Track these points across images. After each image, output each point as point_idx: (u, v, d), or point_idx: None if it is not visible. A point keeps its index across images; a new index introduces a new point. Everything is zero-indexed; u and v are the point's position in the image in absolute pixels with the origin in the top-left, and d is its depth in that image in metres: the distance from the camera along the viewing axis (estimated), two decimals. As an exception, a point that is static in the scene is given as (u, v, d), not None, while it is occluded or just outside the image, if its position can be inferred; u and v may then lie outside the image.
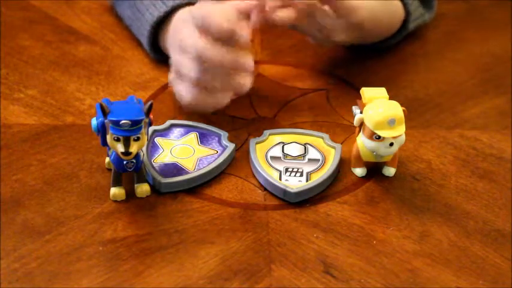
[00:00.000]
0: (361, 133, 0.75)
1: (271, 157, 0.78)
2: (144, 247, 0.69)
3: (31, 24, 0.98)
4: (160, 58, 0.90)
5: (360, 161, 0.77)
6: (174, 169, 0.76)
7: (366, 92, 0.76)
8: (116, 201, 0.73)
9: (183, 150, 0.79)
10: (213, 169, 0.76)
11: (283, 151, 0.79)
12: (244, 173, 0.78)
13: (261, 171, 0.76)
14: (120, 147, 0.69)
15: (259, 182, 0.76)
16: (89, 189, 0.74)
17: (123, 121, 0.68)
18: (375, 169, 0.78)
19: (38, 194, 0.74)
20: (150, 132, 0.79)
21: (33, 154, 0.78)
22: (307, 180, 0.76)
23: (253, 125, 0.83)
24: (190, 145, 0.80)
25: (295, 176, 0.76)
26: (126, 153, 0.69)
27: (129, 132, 0.68)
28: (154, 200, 0.74)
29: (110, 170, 0.75)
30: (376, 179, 0.77)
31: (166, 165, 0.77)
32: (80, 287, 0.65)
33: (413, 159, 0.80)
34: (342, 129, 0.83)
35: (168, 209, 0.73)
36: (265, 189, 0.76)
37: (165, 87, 0.87)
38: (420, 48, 0.97)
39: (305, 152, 0.79)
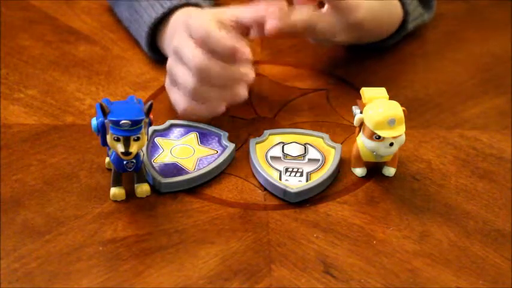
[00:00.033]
0: (361, 133, 0.75)
1: (271, 157, 0.78)
2: (144, 247, 0.69)
3: (31, 24, 0.98)
4: (159, 58, 0.90)
5: (360, 161, 0.77)
6: (174, 169, 0.76)
7: (366, 92, 0.76)
8: (116, 201, 0.73)
9: (183, 150, 0.79)
10: (213, 169, 0.76)
11: (283, 151, 0.79)
12: (244, 173, 0.78)
13: (261, 171, 0.76)
14: (120, 147, 0.69)
15: (259, 182, 0.76)
16: (89, 189, 0.74)
17: (123, 121, 0.68)
18: (375, 169, 0.78)
19: (38, 194, 0.74)
20: (150, 132, 0.79)
21: (33, 154, 0.78)
22: (307, 180, 0.76)
23: (253, 125, 0.83)
24: (190, 145, 0.80)
25: (295, 176, 0.76)
26: (126, 153, 0.69)
27: (129, 132, 0.68)
28: (154, 200, 0.74)
29: (110, 170, 0.75)
30: (376, 179, 0.77)
31: (166, 165, 0.77)
32: (80, 287, 0.65)
33: (413, 159, 0.80)
34: (342, 129, 0.83)
35: (168, 209, 0.73)
36: (265, 189, 0.76)
37: (165, 86, 0.87)
38: (420, 48, 0.97)
39: (305, 152, 0.79)
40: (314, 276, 0.67)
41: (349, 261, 0.69)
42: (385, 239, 0.71)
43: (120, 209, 0.73)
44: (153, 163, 0.77)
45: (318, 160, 0.78)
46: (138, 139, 0.69)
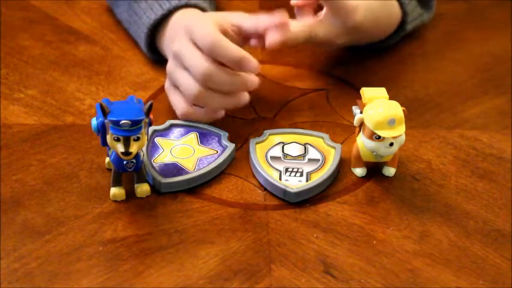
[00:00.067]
0: (361, 133, 0.75)
1: (271, 157, 0.78)
2: (144, 247, 0.69)
3: (31, 24, 0.98)
4: (159, 59, 0.90)
5: (360, 161, 0.77)
6: (174, 169, 0.76)
7: (366, 92, 0.76)
8: (116, 201, 0.73)
9: (183, 150, 0.79)
10: (213, 169, 0.76)
11: (283, 151, 0.79)
12: (244, 173, 0.78)
13: (261, 171, 0.76)
14: (120, 147, 0.69)
15: (259, 182, 0.76)
16: (89, 189, 0.74)
17: (123, 121, 0.68)
18: (375, 169, 0.78)
19: (38, 194, 0.74)
20: (150, 132, 0.79)
21: (33, 154, 0.78)
22: (307, 180, 0.76)
23: (253, 125, 0.83)
24: (190, 145, 0.80)
25: (295, 176, 0.76)
26: (126, 153, 0.69)
27: (129, 132, 0.68)
28: (154, 200, 0.74)
29: (110, 170, 0.75)
30: (376, 179, 0.77)
31: (166, 165, 0.77)
32: (80, 287, 0.65)
33: (413, 159, 0.80)
34: (342, 129, 0.83)
35: (168, 209, 0.73)
36: (265, 189, 0.76)
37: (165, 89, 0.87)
38: (420, 48, 0.97)
39: (305, 152, 0.79)
40: (314, 276, 0.67)
41: (349, 261, 0.69)
42: (385, 239, 0.71)
43: (120, 209, 0.73)
44: (153, 163, 0.77)
45: (318, 160, 0.78)
46: (138, 139, 0.69)
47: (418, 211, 0.74)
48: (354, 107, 0.77)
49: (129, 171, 0.72)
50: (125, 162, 0.71)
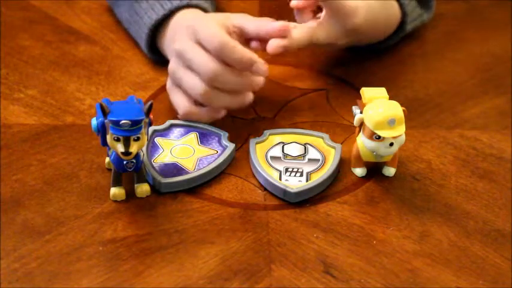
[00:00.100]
0: (361, 133, 0.75)
1: (271, 157, 0.78)
2: (144, 247, 0.69)
3: (31, 24, 0.98)
4: (159, 59, 0.90)
5: (360, 161, 0.77)
6: (174, 169, 0.76)
7: (366, 92, 0.76)
8: (116, 201, 0.73)
9: (183, 150, 0.79)
10: (213, 169, 0.76)
11: (283, 151, 0.79)
12: (244, 173, 0.78)
13: (261, 171, 0.76)
14: (120, 147, 0.69)
15: (259, 182, 0.76)
16: (89, 189, 0.74)
17: (123, 121, 0.68)
18: (375, 169, 0.78)
19: (38, 194, 0.74)
20: (150, 132, 0.79)
21: (33, 154, 0.78)
22: (307, 180, 0.76)
23: (253, 125, 0.83)
24: (190, 145, 0.80)
25: (295, 176, 0.76)
26: (126, 153, 0.69)
27: (129, 132, 0.68)
28: (154, 200, 0.74)
29: (110, 170, 0.75)
30: (376, 179, 0.77)
31: (166, 165, 0.77)
32: (80, 287, 0.65)
33: (413, 159, 0.80)
34: (342, 129, 0.83)
35: (168, 209, 0.73)
36: (265, 189, 0.76)
37: (165, 87, 0.86)
38: (420, 48, 0.97)
39: (305, 152, 0.79)
40: (314, 276, 0.67)
41: (349, 261, 0.69)
42: (385, 239, 0.71)
43: (120, 209, 0.73)
44: (153, 163, 0.77)
45: (318, 160, 0.78)
46: (138, 139, 0.69)
47: (418, 211, 0.74)
48: (354, 107, 0.77)
49: (129, 171, 0.72)
50: (125, 162, 0.71)
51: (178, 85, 0.80)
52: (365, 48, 0.92)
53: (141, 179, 0.74)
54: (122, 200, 0.73)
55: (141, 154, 0.72)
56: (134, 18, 0.91)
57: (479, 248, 0.70)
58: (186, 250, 0.69)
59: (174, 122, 0.82)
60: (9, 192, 0.74)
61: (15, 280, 0.66)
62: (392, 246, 0.70)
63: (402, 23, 0.92)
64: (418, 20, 0.95)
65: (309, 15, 0.85)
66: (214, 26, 0.77)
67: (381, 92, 0.76)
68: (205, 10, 0.88)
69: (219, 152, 0.79)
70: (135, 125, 0.68)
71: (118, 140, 0.69)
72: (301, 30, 0.81)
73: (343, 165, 0.78)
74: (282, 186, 0.74)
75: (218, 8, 0.96)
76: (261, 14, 0.83)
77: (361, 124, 0.74)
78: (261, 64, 0.77)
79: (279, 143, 0.80)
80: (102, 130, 0.71)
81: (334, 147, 0.79)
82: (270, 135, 0.81)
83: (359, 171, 0.77)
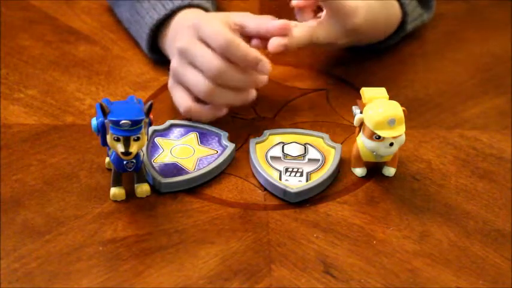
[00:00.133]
0: (361, 133, 0.75)
1: (271, 157, 0.78)
2: (144, 247, 0.69)
3: (31, 24, 0.98)
4: (159, 59, 0.90)
5: (360, 161, 0.77)
6: (174, 169, 0.76)
7: (366, 92, 0.76)
8: (116, 201, 0.73)
9: (183, 150, 0.79)
10: (213, 169, 0.76)
11: (283, 151, 0.79)
12: (244, 173, 0.78)
13: (261, 171, 0.76)
14: (120, 147, 0.69)
15: (259, 182, 0.76)
16: (89, 189, 0.74)
17: (123, 121, 0.68)
18: (375, 169, 0.78)
19: (38, 194, 0.74)
20: (150, 132, 0.79)
21: (33, 154, 0.78)
22: (307, 180, 0.76)
23: (253, 125, 0.83)
24: (190, 145, 0.80)
25: (295, 176, 0.76)
26: (126, 153, 0.69)
27: (129, 132, 0.68)
28: (154, 200, 0.74)
29: (110, 170, 0.75)
30: (376, 179, 0.77)
31: (166, 165, 0.77)
32: (80, 287, 0.65)
33: (413, 159, 0.80)
34: (342, 129, 0.83)
35: (168, 209, 0.73)
36: (265, 189, 0.76)
37: (165, 87, 0.86)
38: (420, 48, 0.97)
39: (305, 152, 0.79)
40: (314, 276, 0.67)
41: (349, 261, 0.69)
42: (385, 239, 0.71)
43: (120, 209, 0.73)
44: (153, 163, 0.77)
45: (318, 160, 0.78)
46: (138, 139, 0.69)
47: (418, 211, 0.74)
48: (354, 107, 0.77)
49: (129, 171, 0.72)
50: (125, 162, 0.71)
51: (181, 83, 0.80)
52: (365, 48, 0.92)
53: (141, 179, 0.74)
54: (122, 200, 0.73)
55: (141, 154, 0.72)
56: (135, 18, 0.91)
57: (479, 248, 0.70)
58: (186, 250, 0.69)
59: (174, 122, 0.82)
60: (9, 192, 0.74)
61: (15, 280, 0.66)
62: (392, 246, 0.70)
63: (403, 22, 0.92)
64: (419, 20, 0.95)
65: (310, 15, 0.85)
66: (218, 24, 0.77)
67: (381, 92, 0.76)
68: (206, 10, 0.88)
69: (219, 152, 0.79)
70: (135, 125, 0.68)
71: (118, 140, 0.69)
72: (301, 29, 0.82)
73: (343, 165, 0.78)
74: (282, 186, 0.74)
75: (219, 8, 0.96)
76: (262, 13, 0.83)
77: (361, 124, 0.75)
78: (266, 62, 0.77)
79: (279, 143, 0.80)
80: (102, 130, 0.71)
81: (334, 147, 0.79)
82: (270, 135, 0.81)
83: (359, 171, 0.77)
